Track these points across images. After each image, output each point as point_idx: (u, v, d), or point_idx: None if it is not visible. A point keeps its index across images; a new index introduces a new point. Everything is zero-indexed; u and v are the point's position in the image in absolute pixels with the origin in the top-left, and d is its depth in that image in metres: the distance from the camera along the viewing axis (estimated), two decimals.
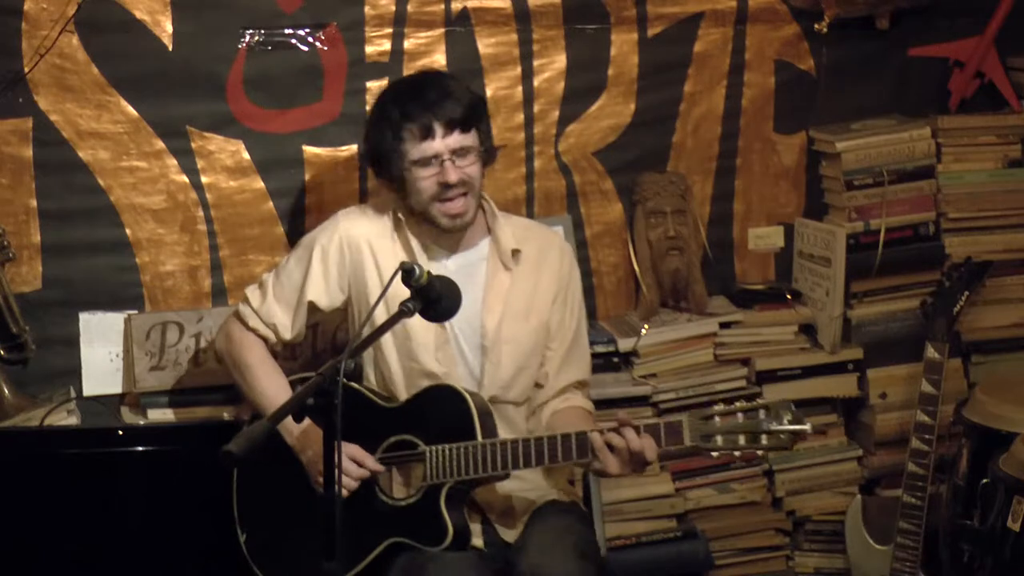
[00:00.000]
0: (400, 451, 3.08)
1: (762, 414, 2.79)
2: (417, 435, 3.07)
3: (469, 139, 3.17)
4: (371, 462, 3.05)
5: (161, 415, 3.62)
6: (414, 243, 3.24)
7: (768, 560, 3.99)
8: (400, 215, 3.26)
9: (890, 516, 3.76)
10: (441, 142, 3.13)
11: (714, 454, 2.84)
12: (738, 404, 2.81)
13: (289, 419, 3.03)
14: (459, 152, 3.15)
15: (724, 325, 3.90)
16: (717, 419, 2.82)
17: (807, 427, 2.78)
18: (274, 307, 3.28)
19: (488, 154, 3.26)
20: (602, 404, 3.59)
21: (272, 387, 3.23)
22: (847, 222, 3.93)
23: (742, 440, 2.80)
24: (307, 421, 3.07)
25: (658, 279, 3.94)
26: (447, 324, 3.16)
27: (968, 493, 3.39)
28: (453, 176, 3.13)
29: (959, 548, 3.32)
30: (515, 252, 3.26)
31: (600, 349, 3.81)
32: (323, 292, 3.27)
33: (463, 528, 3.05)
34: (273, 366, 3.29)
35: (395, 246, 3.25)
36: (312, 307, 3.28)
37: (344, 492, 3.01)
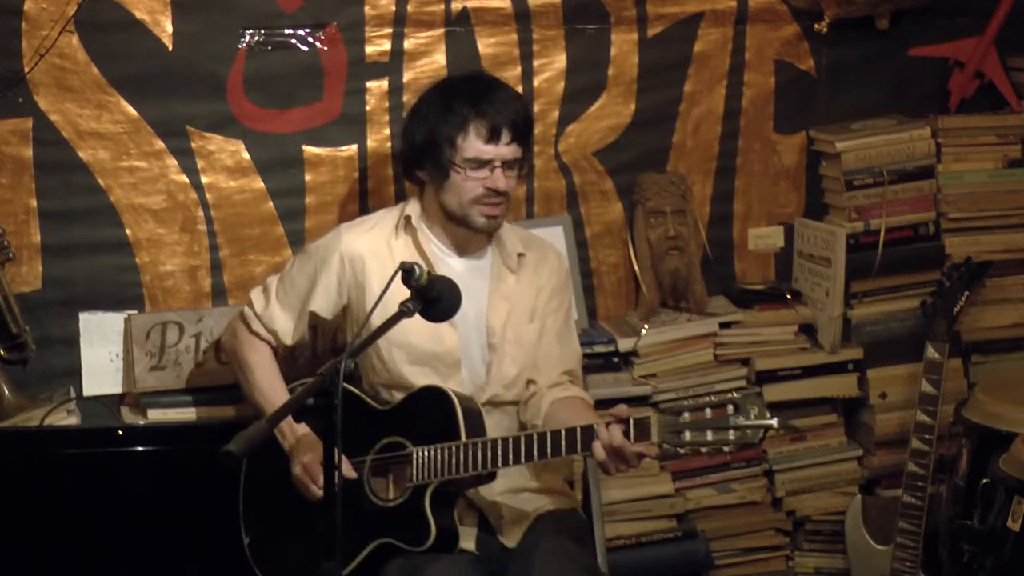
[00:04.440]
0: (391, 453, 3.09)
1: (730, 409, 2.77)
2: (407, 437, 3.07)
3: (521, 152, 3.16)
4: (346, 468, 3.04)
5: (161, 415, 3.61)
6: (424, 242, 3.22)
7: (768, 560, 3.99)
8: (410, 216, 3.24)
9: (890, 516, 3.76)
10: (502, 148, 3.12)
11: (681, 450, 2.83)
12: (706, 400, 2.81)
13: (289, 426, 3.08)
14: (510, 163, 3.14)
15: (724, 325, 3.90)
16: (686, 415, 2.81)
17: (773, 422, 2.76)
18: (277, 313, 3.30)
19: (527, 170, 3.25)
20: (602, 404, 3.58)
21: (271, 389, 3.26)
22: (847, 222, 3.93)
23: (710, 436, 2.80)
24: (304, 429, 3.11)
25: (658, 279, 3.94)
26: (452, 325, 3.16)
27: (968, 493, 3.39)
28: (503, 184, 3.13)
29: (959, 548, 3.31)
30: (520, 256, 3.27)
31: (600, 349, 3.82)
32: (325, 303, 3.28)
33: (448, 529, 3.04)
34: (274, 370, 3.32)
35: (399, 246, 3.23)
36: (314, 316, 3.30)
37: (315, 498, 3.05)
